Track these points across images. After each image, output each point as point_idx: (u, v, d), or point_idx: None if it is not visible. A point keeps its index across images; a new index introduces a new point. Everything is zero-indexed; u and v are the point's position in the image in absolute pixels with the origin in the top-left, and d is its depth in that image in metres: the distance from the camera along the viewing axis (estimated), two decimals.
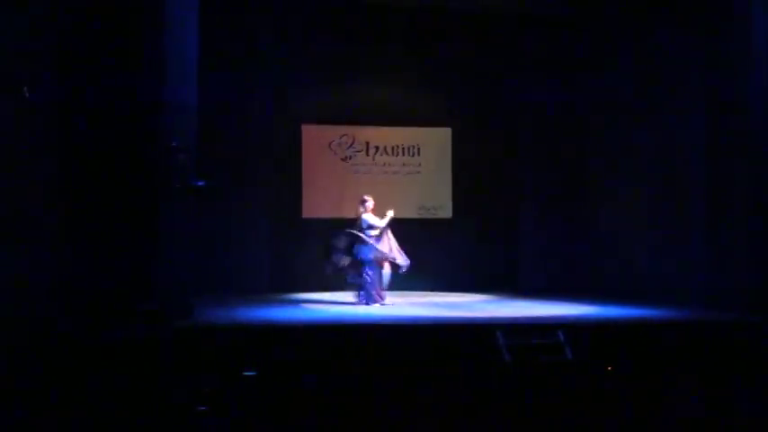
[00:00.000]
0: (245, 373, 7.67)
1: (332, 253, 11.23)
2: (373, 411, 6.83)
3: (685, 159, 11.48)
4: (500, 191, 14.41)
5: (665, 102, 11.94)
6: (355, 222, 11.32)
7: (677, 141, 11.66)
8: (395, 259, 11.16)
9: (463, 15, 13.36)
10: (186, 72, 9.17)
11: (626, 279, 12.66)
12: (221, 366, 7.86)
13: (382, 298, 11.17)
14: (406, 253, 11.25)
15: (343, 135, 14.17)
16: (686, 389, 7.59)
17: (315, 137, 14.11)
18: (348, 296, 11.99)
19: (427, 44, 13.96)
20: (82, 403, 6.93)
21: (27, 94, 8.34)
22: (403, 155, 14.40)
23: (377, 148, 14.29)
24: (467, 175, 14.36)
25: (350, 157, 14.19)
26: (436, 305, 11.48)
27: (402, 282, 11.26)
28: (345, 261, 11.20)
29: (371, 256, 11.10)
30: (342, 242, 11.22)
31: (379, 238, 11.11)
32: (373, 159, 14.28)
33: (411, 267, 11.25)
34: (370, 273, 11.15)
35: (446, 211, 14.35)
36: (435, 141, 14.51)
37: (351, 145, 14.18)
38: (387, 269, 11.24)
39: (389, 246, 11.16)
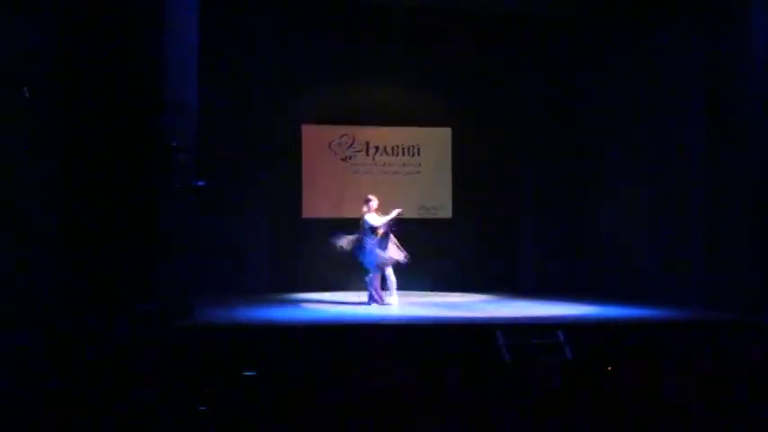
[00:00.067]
0: (245, 373, 7.66)
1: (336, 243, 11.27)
2: (373, 411, 6.83)
3: (685, 159, 11.48)
4: (500, 191, 14.41)
5: (665, 102, 11.94)
6: (358, 223, 11.29)
7: (677, 141, 11.66)
8: (397, 261, 11.14)
9: (463, 15, 13.36)
10: (186, 72, 9.17)
11: (626, 279, 12.66)
12: (221, 366, 7.86)
13: (382, 298, 11.17)
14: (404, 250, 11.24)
15: (343, 135, 14.17)
16: (686, 389, 7.58)
17: (315, 137, 14.11)
18: (348, 296, 12.03)
19: (427, 44, 13.96)
20: (82, 403, 6.93)
21: (27, 94, 8.34)
22: (403, 155, 14.41)
23: (377, 148, 14.29)
24: (467, 175, 14.36)
25: (350, 157, 14.20)
26: (436, 305, 11.48)
27: (402, 282, 11.26)
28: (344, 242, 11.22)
29: (374, 264, 11.09)
30: (343, 242, 11.23)
31: (382, 242, 11.04)
32: (373, 159, 14.29)
33: (409, 259, 11.20)
34: (370, 274, 11.15)
35: (446, 211, 14.36)
36: (435, 141, 14.51)
37: (351, 145, 14.19)
38: (391, 272, 11.18)
39: (392, 248, 11.11)
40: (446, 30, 13.78)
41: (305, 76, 13.78)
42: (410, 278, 11.92)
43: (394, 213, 11.07)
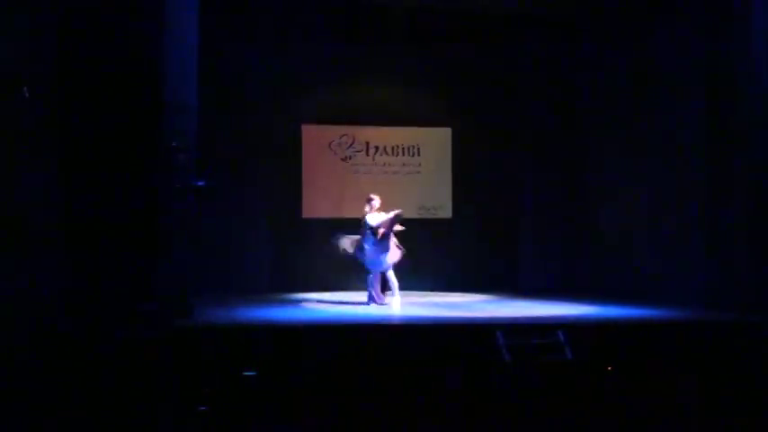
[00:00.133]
0: (245, 373, 7.66)
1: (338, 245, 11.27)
2: (373, 411, 6.83)
3: (685, 159, 11.48)
4: (500, 191, 14.41)
5: (665, 102, 11.94)
6: (359, 222, 11.28)
7: (677, 141, 11.66)
8: (396, 261, 11.14)
9: (463, 15, 13.36)
10: (186, 72, 9.17)
11: (626, 279, 12.66)
12: (221, 366, 7.86)
13: (381, 298, 11.16)
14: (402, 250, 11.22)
15: (343, 135, 14.17)
16: (686, 389, 7.59)
17: (315, 137, 14.11)
18: (348, 296, 12.03)
19: (427, 44, 13.96)
20: (82, 403, 6.94)
21: (27, 94, 8.34)
22: (403, 155, 14.41)
23: (377, 148, 14.29)
24: (467, 175, 14.36)
25: (350, 157, 14.20)
26: (436, 305, 11.47)
27: (402, 282, 11.24)
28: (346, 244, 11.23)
29: (375, 268, 11.09)
30: (345, 244, 11.23)
31: (382, 243, 11.00)
32: (373, 159, 14.29)
33: (406, 254, 11.18)
34: (371, 274, 11.14)
35: (446, 211, 14.36)
36: (435, 141, 14.51)
37: (351, 145, 14.19)
38: (392, 274, 11.15)
39: (393, 250, 11.08)
40: (446, 30, 13.79)
41: (305, 76, 13.78)
42: (410, 278, 11.91)
43: (392, 214, 11.05)
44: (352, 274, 12.20)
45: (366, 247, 11.04)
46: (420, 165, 14.44)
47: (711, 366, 8.40)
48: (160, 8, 8.90)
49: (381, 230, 11.01)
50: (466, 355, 8.49)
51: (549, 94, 14.31)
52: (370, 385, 7.50)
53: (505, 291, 13.45)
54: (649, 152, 12.28)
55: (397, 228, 11.19)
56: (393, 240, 11.12)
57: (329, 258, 12.93)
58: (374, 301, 11.11)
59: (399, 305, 10.87)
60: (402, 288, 11.20)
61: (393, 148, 14.37)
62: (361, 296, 11.47)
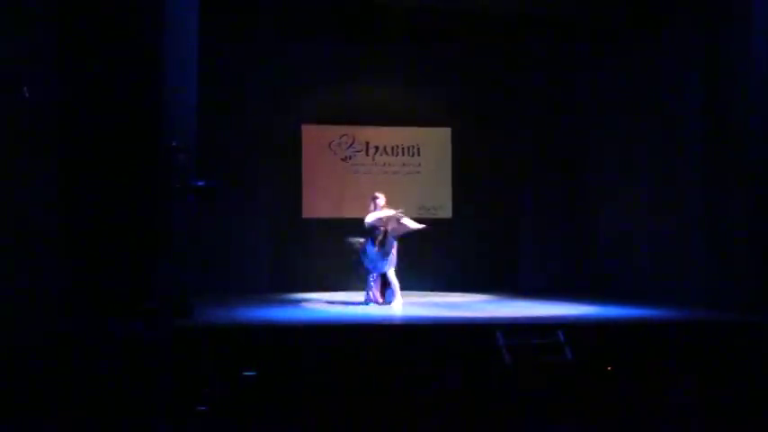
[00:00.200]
0: (245, 373, 7.66)
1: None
2: (373, 411, 6.83)
3: (685, 159, 11.48)
4: (500, 191, 14.41)
5: (665, 102, 11.94)
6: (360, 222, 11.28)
7: (677, 141, 11.66)
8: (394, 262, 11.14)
9: (463, 15, 13.35)
10: (186, 72, 9.17)
11: (626, 279, 12.66)
12: (221, 366, 7.86)
13: (379, 298, 11.14)
14: (400, 252, 11.20)
15: (343, 135, 14.17)
16: (686, 389, 7.59)
17: (315, 137, 14.11)
18: (348, 296, 12.02)
19: (427, 44, 13.96)
20: (82, 403, 6.94)
21: (27, 94, 8.34)
22: (403, 155, 14.41)
23: (377, 148, 14.29)
24: (467, 175, 14.36)
25: (350, 157, 14.20)
26: (436, 305, 11.47)
27: (402, 282, 11.24)
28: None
29: (375, 269, 11.10)
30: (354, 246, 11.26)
31: (383, 248, 11.00)
32: (373, 159, 14.29)
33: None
34: (371, 275, 11.14)
35: (446, 211, 14.35)
36: (435, 141, 14.51)
37: (351, 145, 14.19)
38: (393, 275, 11.14)
39: (392, 252, 11.06)
40: (446, 30, 13.78)
41: (305, 76, 13.78)
42: (410, 278, 11.91)
43: (389, 213, 11.04)
44: (352, 274, 12.20)
45: (367, 248, 11.04)
46: (420, 165, 14.44)
47: (711, 366, 8.41)
48: (160, 8, 8.91)
49: (383, 229, 10.99)
50: (466, 355, 8.49)
51: (549, 94, 14.31)
52: (370, 385, 7.50)
53: (505, 291, 13.45)
54: (649, 152, 12.28)
55: (417, 226, 11.17)
56: (395, 244, 11.10)
57: (329, 258, 12.98)
58: (372, 302, 11.10)
59: (400, 306, 10.86)
60: (402, 288, 11.19)
61: (393, 148, 14.37)
62: (362, 296, 11.46)
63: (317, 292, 12.81)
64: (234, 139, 13.29)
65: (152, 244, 8.76)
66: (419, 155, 14.44)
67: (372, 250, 11.01)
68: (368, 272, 11.20)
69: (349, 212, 12.53)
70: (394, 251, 11.06)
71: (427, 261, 13.18)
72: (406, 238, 11.38)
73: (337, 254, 12.80)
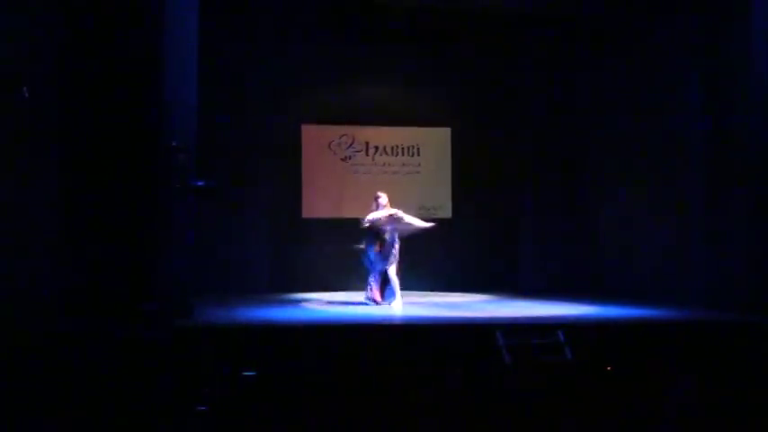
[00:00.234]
0: (245, 373, 7.66)
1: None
2: (373, 411, 6.82)
3: (685, 159, 11.48)
4: (500, 191, 14.41)
5: (665, 101, 11.94)
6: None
7: (677, 141, 11.66)
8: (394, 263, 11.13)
9: (463, 15, 13.36)
10: (186, 72, 9.17)
11: (626, 279, 12.66)
12: (221, 366, 7.86)
13: (378, 297, 11.14)
14: (402, 252, 11.21)
15: (343, 135, 14.18)
16: (686, 389, 7.58)
17: (314, 137, 14.11)
18: (348, 296, 12.02)
19: (427, 44, 13.96)
20: (82, 403, 6.93)
21: (27, 94, 8.34)
22: (403, 155, 14.41)
23: (376, 148, 14.30)
24: (467, 175, 14.36)
25: (349, 157, 14.20)
26: (436, 305, 11.48)
27: (402, 282, 11.24)
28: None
29: (374, 268, 11.11)
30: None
31: (383, 250, 11.01)
32: (373, 159, 14.29)
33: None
34: (371, 275, 11.15)
35: (446, 211, 14.35)
36: (435, 141, 14.51)
37: (350, 145, 14.19)
38: (394, 275, 11.13)
39: (393, 251, 11.06)
40: (446, 30, 13.78)
41: (305, 76, 13.78)
42: (410, 278, 11.91)
43: (386, 212, 11.03)
44: (352, 273, 12.21)
45: (367, 249, 11.06)
46: (420, 165, 14.44)
47: (711, 366, 8.40)
48: (160, 8, 8.91)
49: (383, 229, 10.99)
50: (466, 355, 8.49)
51: (549, 94, 14.30)
52: (370, 385, 7.49)
53: (505, 291, 13.46)
54: (649, 152, 12.28)
55: (422, 224, 11.17)
56: (396, 243, 11.08)
57: (329, 258, 12.99)
58: (371, 300, 11.10)
59: (400, 306, 10.86)
60: (402, 288, 11.20)
61: (393, 148, 14.37)
62: (362, 296, 11.46)
63: (316, 292, 12.81)
64: (234, 139, 13.29)
65: (152, 244, 8.76)
66: (419, 155, 14.45)
67: (372, 251, 11.01)
68: (368, 271, 11.21)
69: (349, 212, 12.53)
70: (396, 249, 11.06)
71: (427, 261, 13.18)
72: (408, 238, 11.38)
73: (337, 254, 12.84)
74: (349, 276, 12.52)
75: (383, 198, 11.22)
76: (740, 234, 10.43)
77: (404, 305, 10.95)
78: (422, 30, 13.75)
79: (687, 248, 11.36)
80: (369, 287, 11.18)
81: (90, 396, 7.10)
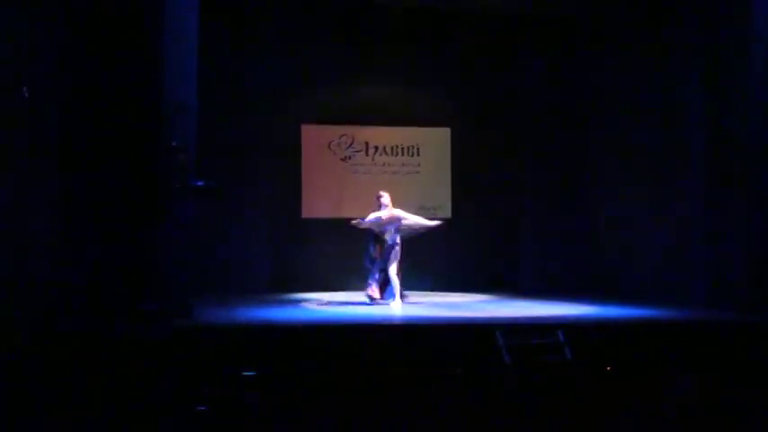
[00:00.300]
0: (245, 373, 7.66)
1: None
2: (373, 411, 6.82)
3: (685, 159, 11.48)
4: (500, 191, 14.40)
5: (665, 101, 11.94)
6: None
7: (677, 141, 11.66)
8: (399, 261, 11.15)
9: (463, 15, 13.36)
10: (186, 72, 9.17)
11: (626, 279, 12.66)
12: (221, 366, 7.86)
13: (377, 293, 11.14)
14: (403, 251, 11.21)
15: (343, 135, 14.17)
16: (686, 389, 7.58)
17: (314, 137, 14.10)
18: (348, 296, 12.02)
19: (427, 44, 13.95)
20: (82, 403, 6.93)
21: (27, 94, 8.34)
22: (402, 155, 14.40)
23: (376, 147, 14.29)
24: (466, 175, 14.36)
25: (349, 157, 14.19)
26: (436, 305, 11.48)
27: (402, 282, 11.24)
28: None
29: (374, 269, 11.14)
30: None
31: (381, 248, 11.05)
32: (373, 159, 14.28)
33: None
34: (370, 275, 11.20)
35: (446, 211, 14.34)
36: (435, 141, 14.51)
37: (350, 145, 14.18)
38: (394, 274, 11.13)
39: (391, 254, 11.05)
40: (446, 30, 13.78)
41: (305, 76, 13.77)
42: (410, 278, 11.91)
43: (387, 213, 11.04)
44: (352, 274, 12.21)
45: (370, 248, 11.08)
46: (419, 165, 14.44)
47: (711, 366, 8.41)
48: (160, 8, 8.91)
49: (384, 228, 11.01)
50: (466, 355, 8.49)
51: (548, 94, 14.30)
52: (370, 385, 7.50)
53: (505, 291, 13.45)
54: (649, 152, 12.28)
55: (427, 223, 11.18)
56: (397, 246, 11.08)
57: (329, 258, 12.99)
58: (370, 297, 11.11)
59: (400, 306, 10.86)
60: (403, 288, 11.20)
61: (392, 148, 14.37)
62: (361, 296, 11.47)
63: (316, 292, 12.81)
64: (234, 139, 13.29)
65: (152, 244, 8.76)
66: (419, 155, 14.44)
67: (373, 251, 11.02)
68: (369, 271, 11.22)
69: (348, 212, 12.51)
70: (396, 250, 11.06)
71: (427, 261, 13.17)
72: (410, 238, 11.40)
73: (337, 254, 12.84)
74: (349, 276, 12.52)
75: (385, 197, 11.22)
76: (740, 234, 10.43)
77: (404, 305, 10.95)
78: (422, 30, 13.75)
79: (687, 248, 11.36)
80: (369, 286, 11.19)
81: (90, 396, 7.10)
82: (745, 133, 10.34)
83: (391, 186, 13.54)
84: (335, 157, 14.13)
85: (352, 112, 14.13)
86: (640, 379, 7.94)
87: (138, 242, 8.70)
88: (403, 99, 14.22)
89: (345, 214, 12.64)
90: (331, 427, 6.66)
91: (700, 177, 11.14)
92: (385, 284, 11.17)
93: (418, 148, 14.44)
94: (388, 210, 11.10)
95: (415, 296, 12.24)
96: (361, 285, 11.54)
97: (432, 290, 13.27)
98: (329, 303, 11.57)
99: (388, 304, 10.96)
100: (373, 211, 11.17)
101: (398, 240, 11.08)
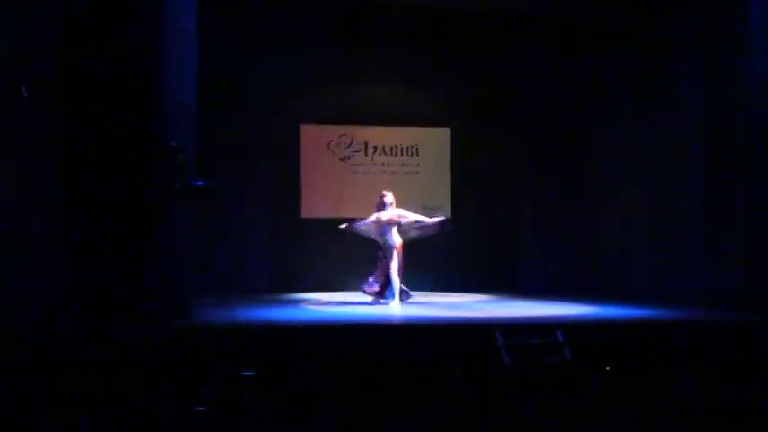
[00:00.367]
0: (245, 373, 7.66)
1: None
2: (373, 411, 6.82)
3: (685, 159, 11.48)
4: (500, 191, 14.40)
5: (665, 102, 11.94)
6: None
7: (677, 141, 11.66)
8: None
9: (463, 15, 13.35)
10: (185, 72, 9.16)
11: (626, 279, 12.65)
12: (221, 366, 7.85)
13: (376, 288, 11.15)
14: (404, 252, 11.21)
15: (342, 135, 14.17)
16: (686, 389, 7.58)
17: (314, 137, 14.11)
18: (348, 296, 12.02)
19: (427, 44, 13.95)
20: (82, 403, 6.93)
21: (26, 94, 8.34)
22: (402, 155, 14.41)
23: (375, 147, 14.29)
24: (466, 175, 14.36)
25: (349, 157, 14.19)
26: (436, 305, 11.47)
27: (402, 281, 11.24)
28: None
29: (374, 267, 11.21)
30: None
31: (382, 248, 11.08)
32: (372, 159, 14.28)
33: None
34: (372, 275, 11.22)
35: (445, 211, 14.30)
36: (434, 141, 14.51)
37: (349, 145, 14.19)
38: (394, 274, 11.12)
39: (391, 254, 11.06)
40: (446, 29, 13.77)
41: (304, 76, 13.78)
42: (410, 278, 11.90)
43: (389, 213, 11.04)
44: (352, 274, 12.21)
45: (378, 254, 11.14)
46: (419, 165, 14.44)
47: (711, 366, 8.40)
48: (160, 8, 8.90)
49: (384, 228, 11.02)
50: (466, 355, 8.48)
51: (549, 94, 14.30)
52: (370, 385, 7.49)
53: (505, 291, 13.45)
54: (649, 152, 12.29)
55: (429, 220, 11.18)
56: (398, 246, 11.08)
57: (329, 258, 12.99)
58: (369, 294, 11.13)
59: (399, 307, 10.87)
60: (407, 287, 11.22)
61: (392, 148, 14.37)
62: (361, 296, 11.47)
63: (316, 292, 12.81)
64: (233, 139, 13.29)
65: (152, 244, 8.75)
66: (418, 155, 14.44)
67: (378, 252, 11.06)
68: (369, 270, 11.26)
69: (348, 212, 12.52)
70: (397, 250, 11.06)
71: (427, 261, 13.17)
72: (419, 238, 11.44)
73: (337, 254, 12.84)
74: (349, 276, 12.51)
75: (389, 197, 11.21)
76: (740, 234, 10.43)
77: (404, 305, 10.95)
78: (422, 30, 13.74)
79: (687, 248, 11.36)
80: (369, 285, 11.19)
81: (90, 396, 7.10)
82: (745, 133, 10.34)
83: (391, 186, 13.50)
84: (335, 157, 14.13)
85: (352, 112, 14.13)
86: (640, 379, 7.93)
87: (137, 242, 8.69)
88: (402, 99, 14.23)
89: (345, 214, 12.65)
90: (331, 427, 6.66)
91: (700, 177, 11.14)
92: (386, 285, 11.16)
93: (418, 148, 14.44)
94: (390, 210, 11.10)
95: (415, 296, 12.23)
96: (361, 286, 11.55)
97: (432, 290, 13.27)
98: (329, 303, 11.57)
99: (387, 304, 10.96)
100: (375, 210, 11.17)
101: (400, 240, 11.07)
